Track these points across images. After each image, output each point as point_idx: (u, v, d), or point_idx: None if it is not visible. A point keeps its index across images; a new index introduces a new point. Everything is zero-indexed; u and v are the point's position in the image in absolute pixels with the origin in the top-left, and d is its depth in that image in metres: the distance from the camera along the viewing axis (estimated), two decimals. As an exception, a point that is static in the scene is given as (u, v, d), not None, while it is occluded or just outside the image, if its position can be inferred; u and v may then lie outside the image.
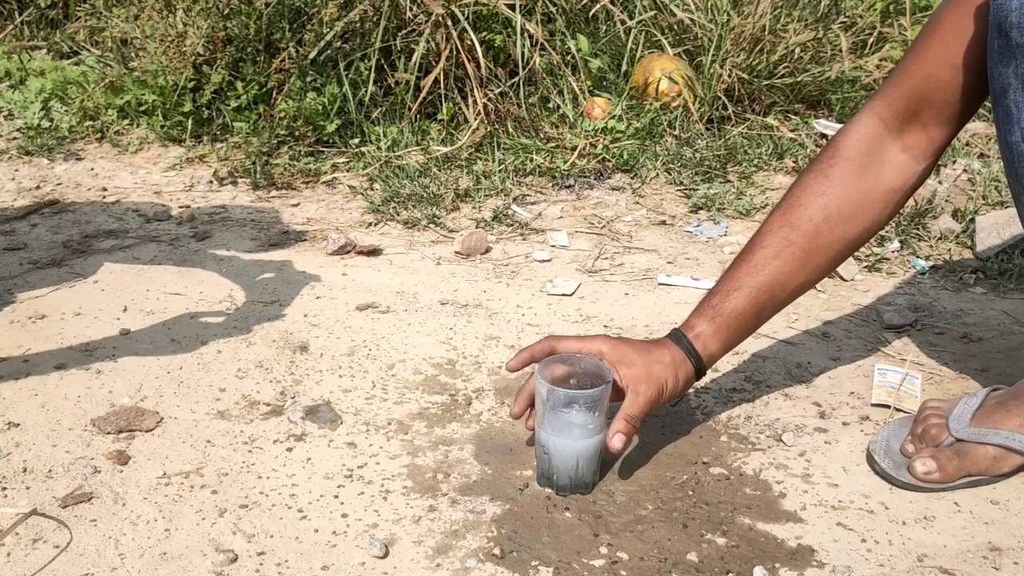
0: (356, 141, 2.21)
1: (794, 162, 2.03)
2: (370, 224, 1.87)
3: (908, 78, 1.01)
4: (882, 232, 1.69)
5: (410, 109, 2.22)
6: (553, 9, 2.33)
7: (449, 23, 2.20)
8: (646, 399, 1.00)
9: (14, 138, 2.43)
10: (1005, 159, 0.94)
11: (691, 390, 1.23)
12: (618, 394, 1.02)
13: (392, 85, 2.26)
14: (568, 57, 2.32)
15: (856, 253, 1.63)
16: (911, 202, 1.74)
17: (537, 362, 1.02)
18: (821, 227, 1.03)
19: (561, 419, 1.00)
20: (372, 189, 2.03)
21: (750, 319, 1.05)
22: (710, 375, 1.27)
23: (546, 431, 1.00)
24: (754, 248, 1.05)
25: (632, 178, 2.04)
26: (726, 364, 1.30)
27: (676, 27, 2.40)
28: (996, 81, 0.90)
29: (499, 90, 2.25)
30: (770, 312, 1.07)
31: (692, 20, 2.33)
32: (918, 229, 1.70)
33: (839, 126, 2.13)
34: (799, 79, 2.28)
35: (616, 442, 0.98)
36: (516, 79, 2.23)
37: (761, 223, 1.07)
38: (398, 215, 1.89)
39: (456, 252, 1.71)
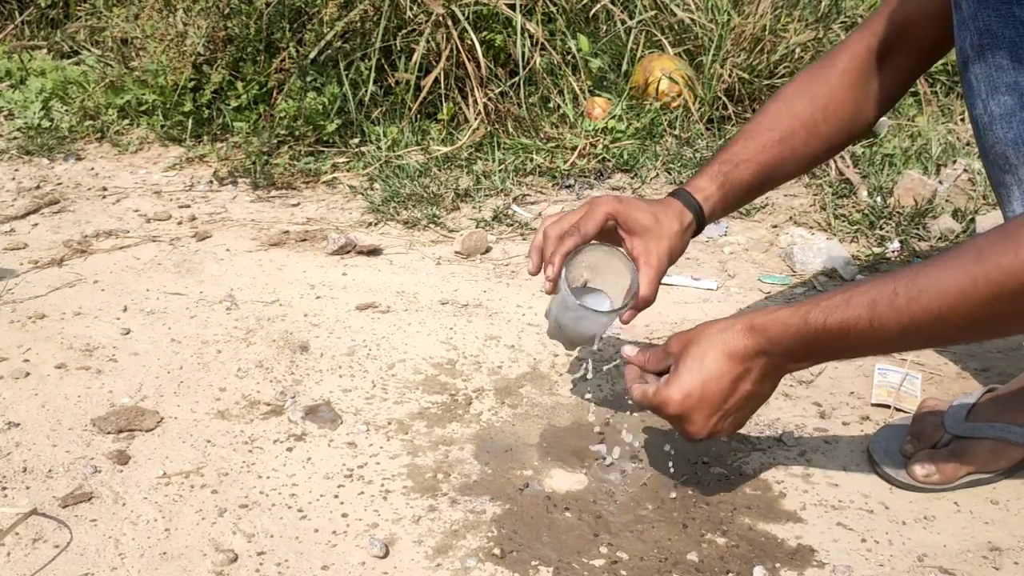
0: (356, 141, 2.21)
1: (794, 162, 2.03)
2: (370, 224, 1.87)
3: (892, 15, 1.10)
4: (882, 232, 1.69)
5: (410, 109, 2.22)
6: (553, 9, 2.33)
7: (449, 23, 2.20)
8: (655, 275, 1.06)
9: (14, 138, 2.43)
10: (974, 131, 0.97)
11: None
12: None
13: (392, 85, 2.26)
14: (568, 57, 2.31)
15: (856, 253, 1.63)
16: (911, 201, 1.74)
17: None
18: (820, 121, 1.13)
19: (577, 311, 1.04)
20: (372, 189, 2.03)
21: (750, 192, 1.15)
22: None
23: (561, 314, 1.07)
24: (760, 127, 1.13)
25: (632, 178, 2.04)
26: (726, 364, 1.30)
27: (676, 27, 2.39)
28: (959, 54, 0.93)
29: (499, 90, 2.25)
30: (765, 190, 1.18)
31: (692, 20, 2.33)
32: (918, 229, 1.70)
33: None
34: (799, 79, 2.27)
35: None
36: (516, 79, 2.23)
37: (766, 102, 1.17)
38: (398, 215, 1.89)
39: (456, 252, 1.71)
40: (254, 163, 2.11)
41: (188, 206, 1.98)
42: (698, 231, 1.12)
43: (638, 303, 1.05)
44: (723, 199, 1.11)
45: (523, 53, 2.22)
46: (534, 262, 1.07)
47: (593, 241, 1.06)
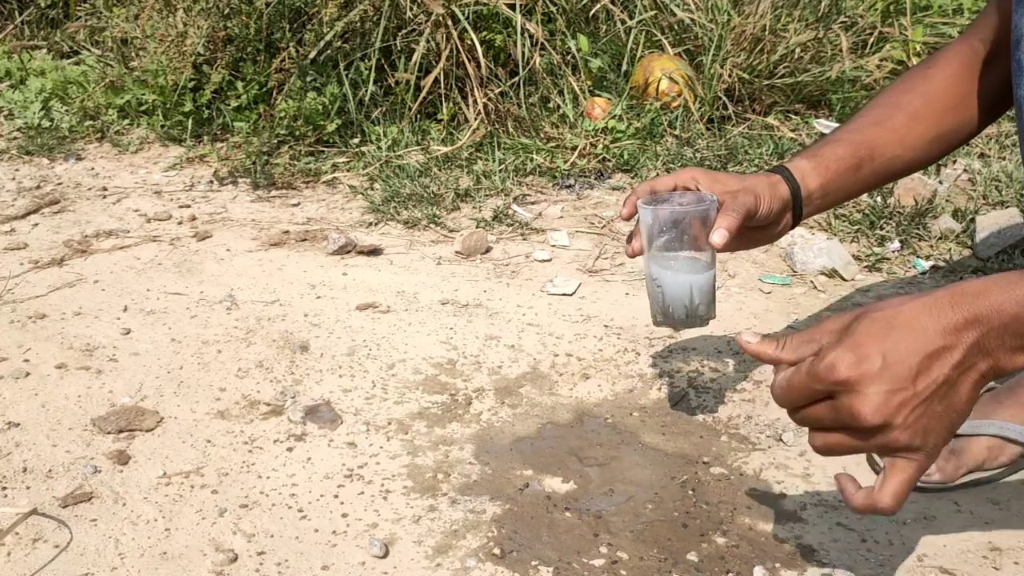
0: (356, 141, 2.21)
1: (794, 162, 2.03)
2: (370, 224, 1.87)
3: (1001, 17, 1.04)
4: (882, 232, 1.69)
5: (410, 109, 2.22)
6: (553, 9, 2.33)
7: (449, 23, 2.20)
8: (743, 200, 0.98)
9: (14, 138, 2.43)
10: (1015, 112, 0.95)
11: (691, 388, 1.23)
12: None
13: (392, 85, 2.26)
14: (568, 57, 2.31)
15: (856, 253, 1.63)
16: (911, 202, 1.74)
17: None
18: (921, 110, 1.06)
19: (669, 251, 0.98)
20: (372, 189, 2.03)
21: (849, 170, 1.05)
22: (710, 375, 1.27)
23: (657, 263, 0.99)
24: (856, 118, 1.09)
25: (632, 178, 2.04)
26: (726, 364, 1.30)
27: (676, 27, 2.39)
28: (1014, 32, 0.91)
29: (499, 90, 2.25)
30: (868, 175, 1.06)
31: (692, 20, 2.33)
32: (918, 229, 1.70)
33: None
34: (799, 79, 2.28)
35: (716, 237, 0.95)
36: (516, 79, 2.23)
37: (864, 107, 1.11)
38: (398, 215, 1.89)
39: (456, 252, 1.71)
40: (254, 163, 2.11)
41: (188, 206, 1.98)
42: (798, 209, 1.04)
43: (724, 211, 0.96)
44: (818, 172, 1.04)
45: (523, 53, 2.22)
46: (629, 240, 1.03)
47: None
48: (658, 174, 2.03)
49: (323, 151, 2.20)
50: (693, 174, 1.03)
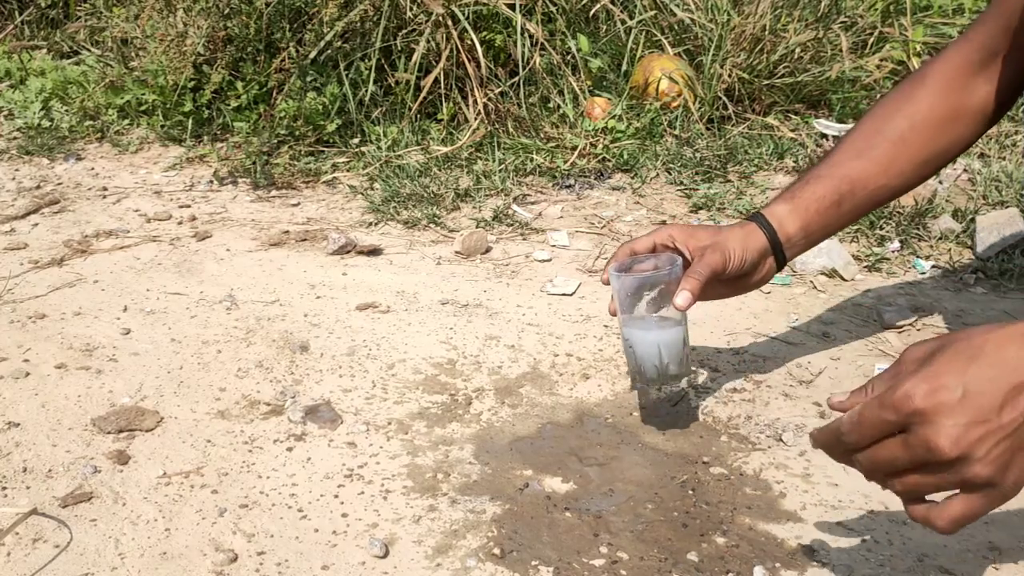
0: (356, 141, 2.21)
1: (794, 162, 2.03)
2: (370, 224, 1.87)
3: (998, 18, 1.03)
4: (882, 232, 1.69)
5: (410, 109, 2.22)
6: (553, 9, 2.33)
7: (449, 23, 2.20)
8: (710, 259, 1.00)
9: (14, 138, 2.43)
10: None
11: (691, 388, 1.24)
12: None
13: (392, 85, 2.26)
14: (568, 57, 2.31)
15: (856, 253, 1.63)
16: (911, 202, 1.74)
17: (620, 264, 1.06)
18: (907, 135, 1.05)
19: (640, 316, 1.04)
20: (372, 189, 2.03)
21: (829, 207, 1.05)
22: (710, 375, 1.27)
23: (628, 325, 1.04)
24: (837, 149, 1.08)
25: (632, 178, 2.04)
26: (726, 364, 1.30)
27: (676, 27, 2.39)
28: None
29: (499, 90, 2.25)
30: (849, 209, 1.06)
31: (692, 20, 2.33)
32: (918, 229, 1.70)
33: (840, 126, 2.14)
34: (799, 79, 2.28)
35: (680, 300, 0.98)
36: (516, 79, 2.23)
37: (845, 133, 1.09)
38: (398, 215, 1.89)
39: (456, 252, 1.71)
40: (254, 163, 2.11)
41: (188, 206, 1.98)
42: (779, 254, 1.05)
43: (688, 275, 0.99)
44: (797, 214, 1.04)
45: (523, 53, 2.22)
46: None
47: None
48: (657, 174, 2.03)
49: (323, 151, 2.20)
50: (670, 232, 1.05)
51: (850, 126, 2.03)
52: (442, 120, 2.24)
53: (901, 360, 0.70)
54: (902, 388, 0.65)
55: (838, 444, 0.71)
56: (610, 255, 1.03)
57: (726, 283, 1.04)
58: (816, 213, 1.05)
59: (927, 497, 0.69)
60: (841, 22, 2.38)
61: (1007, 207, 1.75)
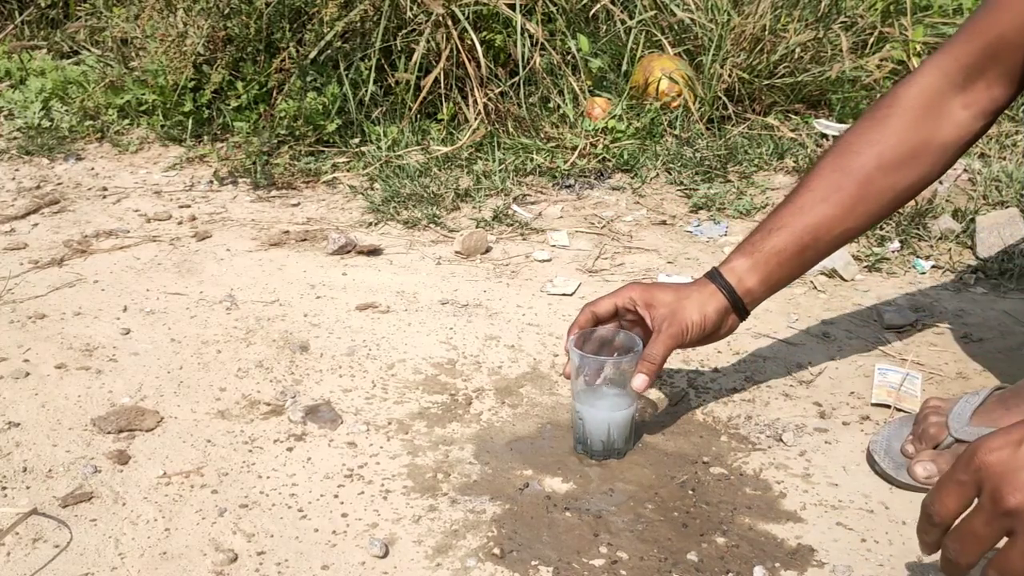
0: (356, 141, 2.21)
1: (794, 162, 2.03)
2: (370, 224, 1.87)
3: (979, 35, 1.00)
4: (882, 232, 1.69)
5: (410, 109, 2.22)
6: (553, 9, 2.33)
7: (449, 23, 2.20)
8: (667, 337, 1.02)
9: (14, 138, 2.43)
10: None
11: (691, 388, 1.24)
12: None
13: (392, 85, 2.26)
14: (568, 57, 2.32)
15: (856, 253, 1.63)
16: (911, 202, 1.74)
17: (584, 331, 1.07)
18: (873, 174, 1.02)
19: (594, 389, 1.07)
20: (372, 189, 2.03)
21: (792, 259, 1.04)
22: (710, 375, 1.27)
23: (580, 401, 1.07)
24: (801, 191, 1.05)
25: (632, 178, 2.04)
26: (726, 364, 1.30)
27: (676, 27, 2.40)
28: None
29: (499, 90, 2.25)
30: (812, 256, 1.06)
31: (692, 20, 2.33)
32: (918, 229, 1.70)
33: (840, 126, 2.14)
34: (799, 79, 2.28)
35: (637, 382, 1.01)
36: (516, 79, 2.23)
37: (810, 168, 1.08)
38: (398, 215, 1.89)
39: (456, 252, 1.71)
40: (254, 163, 2.11)
41: (188, 206, 1.98)
42: (741, 311, 1.06)
43: (645, 358, 1.02)
44: (757, 269, 1.04)
45: (523, 53, 2.22)
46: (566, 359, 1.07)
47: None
48: (657, 175, 2.03)
49: (323, 151, 2.20)
50: (631, 294, 1.06)
51: (850, 126, 2.04)
52: (442, 120, 2.24)
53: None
54: (972, 445, 0.64)
55: (929, 521, 0.67)
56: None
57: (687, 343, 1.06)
58: (777, 266, 1.05)
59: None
60: (841, 22, 2.38)
61: (1007, 207, 1.75)
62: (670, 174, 2.02)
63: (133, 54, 2.55)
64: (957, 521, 0.65)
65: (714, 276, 1.06)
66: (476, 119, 2.18)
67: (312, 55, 2.22)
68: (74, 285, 1.58)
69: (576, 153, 2.08)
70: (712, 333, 1.06)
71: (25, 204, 1.99)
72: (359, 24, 2.26)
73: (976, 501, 0.63)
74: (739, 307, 1.06)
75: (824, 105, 2.34)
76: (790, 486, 1.04)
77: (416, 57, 2.19)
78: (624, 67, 2.33)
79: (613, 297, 1.07)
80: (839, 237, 1.05)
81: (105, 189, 2.09)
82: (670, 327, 1.02)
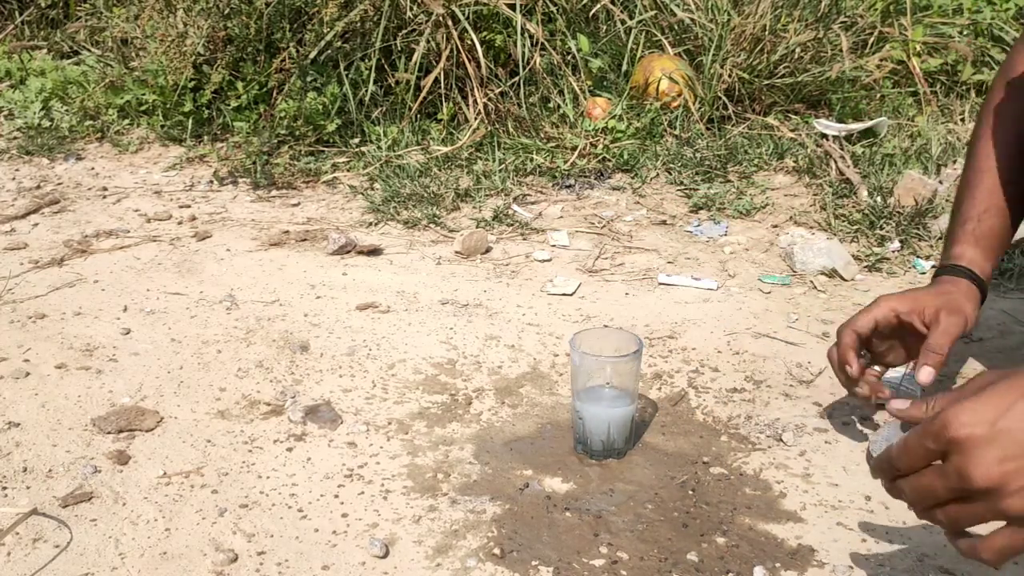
0: (356, 141, 2.21)
1: (794, 162, 2.03)
2: (370, 224, 1.87)
3: None
4: (882, 232, 1.69)
5: (410, 109, 2.22)
6: (553, 9, 2.33)
7: (449, 23, 2.20)
8: (951, 326, 1.01)
9: (14, 138, 2.44)
10: None
11: (691, 388, 1.24)
12: (916, 337, 1.04)
13: (392, 85, 2.26)
14: (568, 57, 2.32)
15: (856, 253, 1.63)
16: (911, 201, 1.74)
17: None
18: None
19: (594, 389, 1.07)
20: (372, 189, 2.03)
21: (1004, 233, 1.12)
22: (710, 375, 1.27)
23: (580, 400, 1.07)
24: (983, 171, 1.12)
25: (632, 178, 2.04)
26: (726, 364, 1.30)
27: (676, 27, 2.40)
28: None
29: (499, 90, 2.25)
30: (1017, 221, 1.12)
31: (692, 20, 2.33)
32: (918, 229, 1.70)
33: (840, 126, 2.14)
34: (799, 79, 2.28)
35: (923, 375, 0.99)
36: (516, 79, 2.23)
37: (972, 141, 1.15)
38: (398, 215, 1.89)
39: (456, 252, 1.71)
40: (254, 163, 2.11)
41: (188, 206, 1.98)
42: (984, 298, 1.09)
43: (930, 348, 1.00)
44: (987, 255, 1.10)
45: (523, 53, 2.22)
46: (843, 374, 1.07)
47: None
48: (658, 174, 2.03)
49: (323, 151, 2.20)
50: (892, 305, 1.05)
51: (850, 126, 2.03)
52: (442, 120, 2.24)
53: (968, 382, 0.69)
54: (944, 416, 0.65)
55: (889, 469, 0.70)
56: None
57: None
58: (999, 246, 1.12)
59: (971, 530, 0.68)
60: (841, 22, 2.38)
61: (1007, 207, 1.75)
62: (670, 174, 2.02)
63: (133, 54, 2.55)
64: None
65: (956, 270, 1.08)
66: (476, 119, 2.19)
67: (312, 55, 2.22)
68: (74, 285, 1.58)
69: (576, 153, 2.08)
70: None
71: (25, 204, 1.99)
72: (359, 24, 2.26)
73: (941, 462, 0.66)
74: (984, 296, 1.09)
75: (824, 105, 2.34)
76: (790, 486, 1.04)
77: (416, 57, 2.19)
78: (624, 67, 2.33)
79: (871, 313, 1.05)
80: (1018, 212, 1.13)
81: (105, 189, 2.09)
82: (950, 316, 1.02)
